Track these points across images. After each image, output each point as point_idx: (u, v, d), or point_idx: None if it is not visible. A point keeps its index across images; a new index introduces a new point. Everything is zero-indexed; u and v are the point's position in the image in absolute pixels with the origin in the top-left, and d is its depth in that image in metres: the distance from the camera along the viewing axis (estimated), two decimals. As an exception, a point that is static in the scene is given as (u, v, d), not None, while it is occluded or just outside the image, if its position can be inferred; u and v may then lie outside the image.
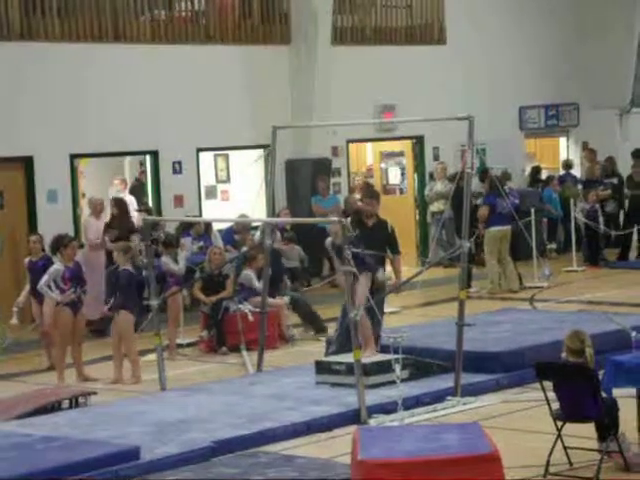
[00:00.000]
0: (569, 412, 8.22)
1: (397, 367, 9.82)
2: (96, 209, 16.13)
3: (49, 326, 12.74)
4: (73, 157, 16.92)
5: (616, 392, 8.52)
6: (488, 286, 17.00)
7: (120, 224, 15.61)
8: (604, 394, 8.23)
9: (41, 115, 16.30)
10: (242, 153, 19.05)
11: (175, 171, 17.91)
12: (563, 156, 23.23)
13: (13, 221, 16.37)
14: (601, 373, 8.37)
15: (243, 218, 16.07)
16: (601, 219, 19.42)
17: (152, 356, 12.04)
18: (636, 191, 19.94)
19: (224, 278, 14.06)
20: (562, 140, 23.49)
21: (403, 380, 9.98)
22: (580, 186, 21.05)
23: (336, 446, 9.10)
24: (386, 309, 15.44)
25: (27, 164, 16.40)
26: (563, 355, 8.40)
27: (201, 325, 14.16)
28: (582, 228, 19.47)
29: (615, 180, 20.81)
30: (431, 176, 20.58)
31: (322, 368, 11.08)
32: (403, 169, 21.26)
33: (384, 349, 10.47)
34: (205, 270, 14.17)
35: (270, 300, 13.09)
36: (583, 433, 8.37)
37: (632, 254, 20.02)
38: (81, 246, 12.98)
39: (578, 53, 22.47)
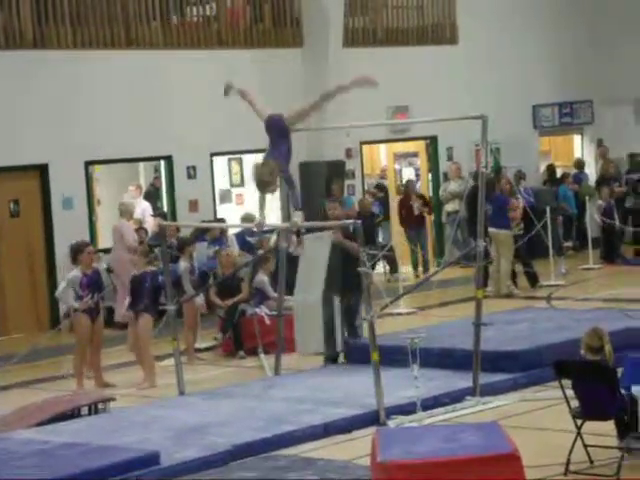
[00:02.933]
0: (588, 410, 8.19)
1: (415, 368, 9.81)
2: (129, 213, 16.29)
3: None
4: (88, 164, 16.98)
5: (635, 389, 8.47)
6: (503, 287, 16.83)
7: None
8: (623, 391, 8.20)
9: (55, 123, 16.35)
10: (256, 157, 19.05)
11: (189, 176, 17.95)
12: (578, 154, 23.17)
13: (29, 229, 16.42)
14: (620, 370, 8.34)
15: (249, 218, 16.30)
16: (616, 216, 19.37)
17: (170, 361, 12.06)
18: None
19: (239, 281, 14.06)
20: (577, 138, 23.43)
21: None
22: (593, 184, 21.03)
23: (355, 448, 9.10)
24: (403, 310, 15.52)
25: (42, 172, 16.46)
26: (582, 352, 8.38)
27: (218, 329, 14.18)
28: (599, 226, 19.41)
29: (636, 176, 20.74)
30: (445, 176, 20.58)
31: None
32: (417, 170, 21.25)
33: (401, 349, 10.43)
34: (218, 275, 14.15)
35: (287, 302, 13.11)
36: (603, 431, 8.35)
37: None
38: (98, 251, 13.01)
39: (591, 50, 22.41)
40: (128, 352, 12.90)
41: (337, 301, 12.26)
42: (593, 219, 19.43)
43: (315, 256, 12.39)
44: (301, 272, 12.69)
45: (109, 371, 12.83)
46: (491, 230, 16.33)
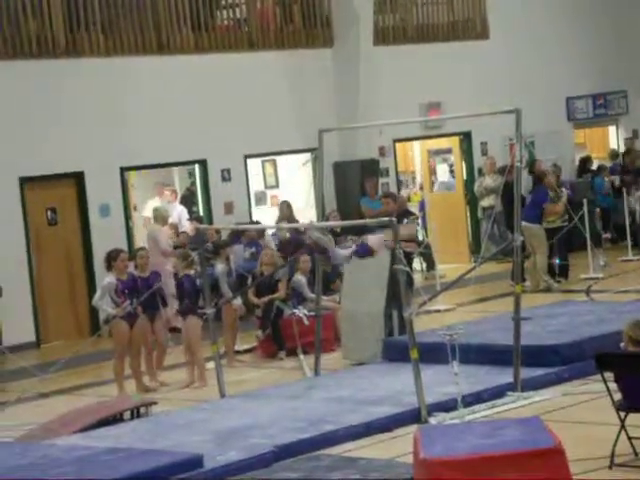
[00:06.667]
0: (632, 402, 8.13)
1: (455, 364, 9.78)
2: (163, 218, 16.29)
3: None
4: (123, 170, 17.06)
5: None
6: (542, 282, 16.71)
7: None
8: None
9: (90, 130, 16.46)
10: (289, 158, 19.10)
11: (224, 179, 18.00)
12: (613, 145, 23.02)
13: (67, 237, 16.53)
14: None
15: (287, 208, 16.53)
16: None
17: (210, 364, 12.10)
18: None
19: (276, 282, 14.07)
20: (612, 129, 23.27)
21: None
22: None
23: (397, 446, 9.08)
24: (441, 307, 15.48)
25: (78, 180, 16.56)
26: (622, 345, 8.32)
27: (257, 328, 14.19)
28: (638, 216, 19.27)
29: None
30: (480, 171, 20.51)
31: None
32: (451, 166, 21.19)
33: (440, 346, 10.40)
34: (257, 274, 14.14)
35: (324, 303, 13.12)
36: (647, 423, 8.29)
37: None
38: (131, 258, 13.04)
39: (624, 40, 22.26)
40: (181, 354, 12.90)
41: (395, 315, 12.40)
42: (630, 211, 19.26)
43: (369, 269, 12.43)
44: (348, 280, 12.74)
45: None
46: (524, 224, 16.21)
